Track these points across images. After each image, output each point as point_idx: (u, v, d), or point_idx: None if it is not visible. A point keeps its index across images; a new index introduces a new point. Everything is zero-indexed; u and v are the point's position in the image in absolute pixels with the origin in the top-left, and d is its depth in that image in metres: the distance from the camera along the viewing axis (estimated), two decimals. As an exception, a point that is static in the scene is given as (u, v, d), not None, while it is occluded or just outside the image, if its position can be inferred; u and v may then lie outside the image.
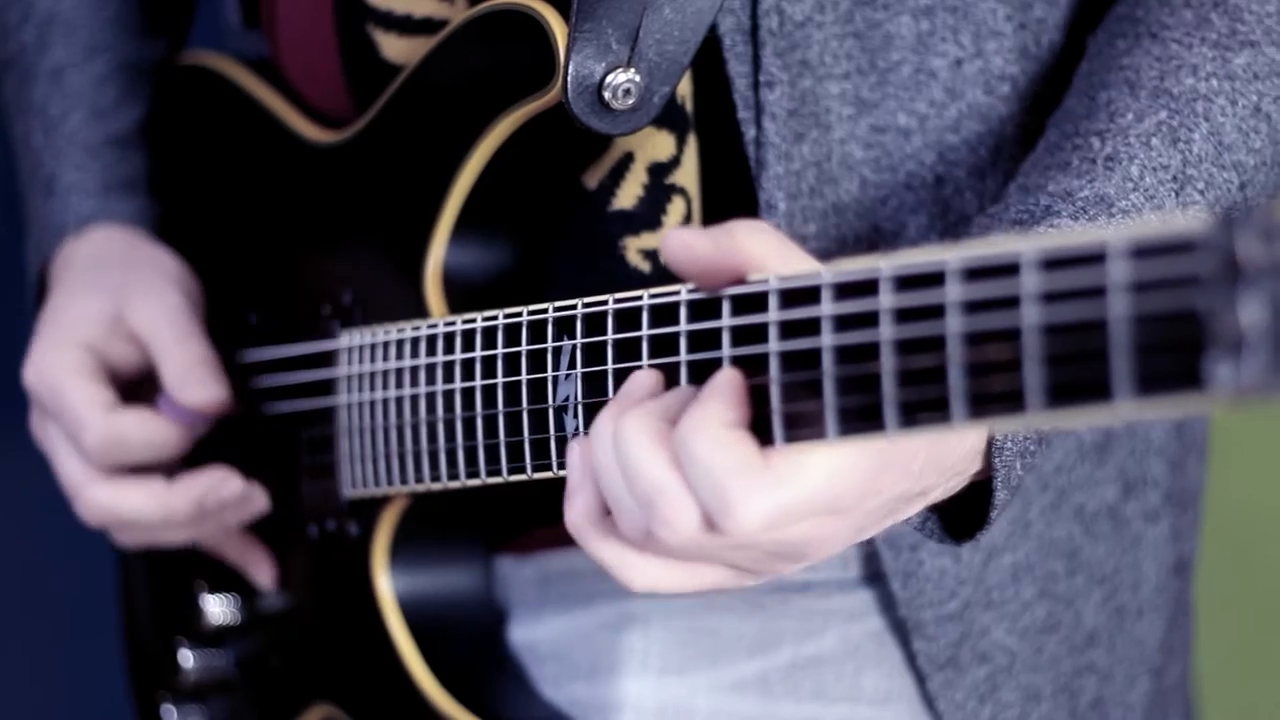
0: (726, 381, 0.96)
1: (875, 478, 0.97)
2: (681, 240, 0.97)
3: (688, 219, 1.21)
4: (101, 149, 1.46)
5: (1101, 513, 1.30)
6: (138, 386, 1.39)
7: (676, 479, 0.95)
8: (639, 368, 1.02)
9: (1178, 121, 1.12)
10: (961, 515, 1.09)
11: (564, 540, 1.29)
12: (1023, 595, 1.27)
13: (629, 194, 1.21)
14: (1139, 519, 1.32)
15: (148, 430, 1.34)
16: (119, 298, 1.37)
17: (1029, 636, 1.28)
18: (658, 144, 1.20)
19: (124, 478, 1.34)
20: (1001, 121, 1.23)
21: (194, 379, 1.34)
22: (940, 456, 1.01)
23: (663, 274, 1.20)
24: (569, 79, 1.12)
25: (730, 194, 1.20)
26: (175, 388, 1.34)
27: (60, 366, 1.34)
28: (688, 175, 1.21)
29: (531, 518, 1.30)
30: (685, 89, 1.20)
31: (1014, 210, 1.10)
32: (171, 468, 1.37)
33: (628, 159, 1.21)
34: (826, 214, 1.20)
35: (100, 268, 1.40)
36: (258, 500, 1.36)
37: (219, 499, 1.34)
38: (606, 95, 1.13)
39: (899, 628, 1.26)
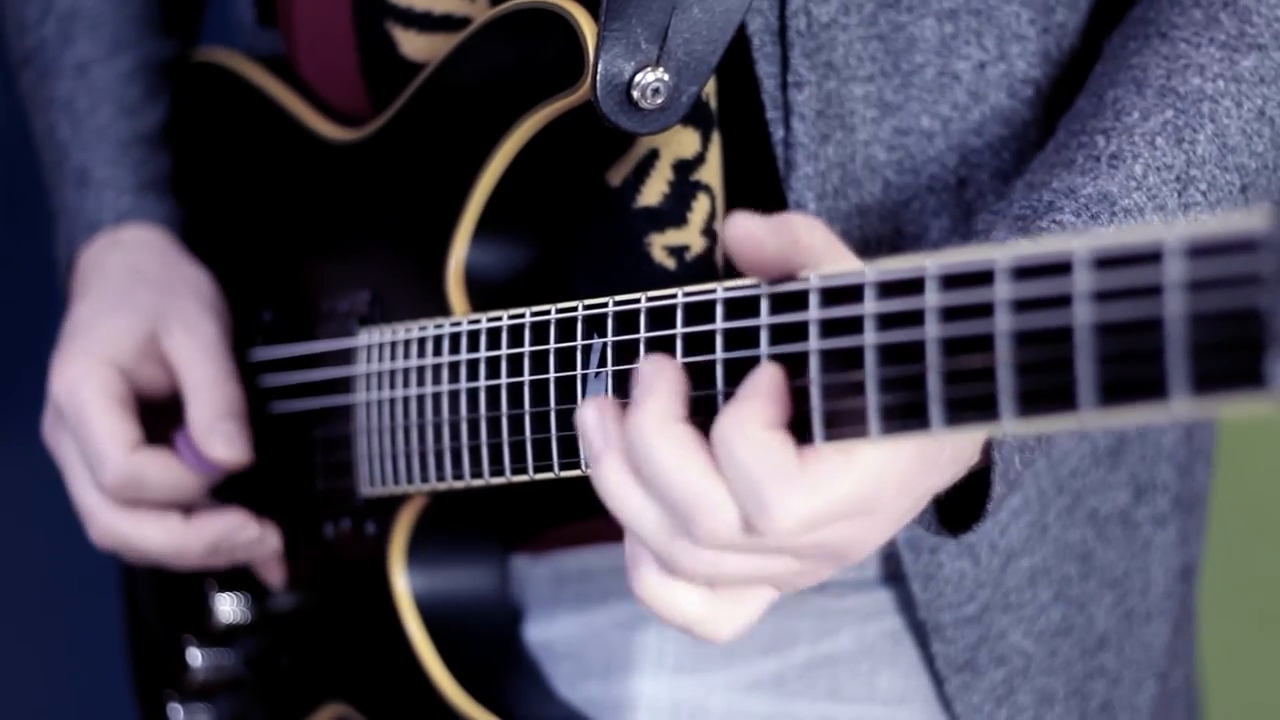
0: (768, 379, 0.95)
1: (911, 478, 0.96)
2: (746, 229, 0.95)
3: (712, 216, 1.20)
4: (131, 146, 1.45)
5: (1113, 517, 1.30)
6: (160, 408, 1.38)
7: (715, 483, 0.94)
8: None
9: (1183, 121, 1.12)
10: (956, 507, 1.09)
11: (579, 539, 1.30)
12: (1040, 598, 1.27)
13: (654, 191, 1.21)
14: (1149, 523, 1.32)
15: (167, 475, 1.34)
16: (154, 317, 1.37)
17: (1044, 639, 1.28)
18: (683, 141, 1.20)
19: (142, 510, 1.35)
20: (1025, 125, 1.23)
21: (220, 433, 1.34)
22: (960, 448, 1.01)
23: (688, 271, 1.20)
24: (598, 78, 1.12)
25: (754, 192, 1.20)
26: (200, 437, 1.34)
27: (89, 387, 1.34)
28: (712, 172, 1.20)
29: (548, 517, 1.30)
30: (708, 86, 1.20)
31: (1017, 206, 1.10)
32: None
33: (652, 156, 1.20)
34: (850, 216, 1.20)
35: (137, 281, 1.39)
36: (271, 541, 1.37)
37: (233, 543, 1.36)
38: (635, 94, 1.12)
39: (917, 629, 1.25)
